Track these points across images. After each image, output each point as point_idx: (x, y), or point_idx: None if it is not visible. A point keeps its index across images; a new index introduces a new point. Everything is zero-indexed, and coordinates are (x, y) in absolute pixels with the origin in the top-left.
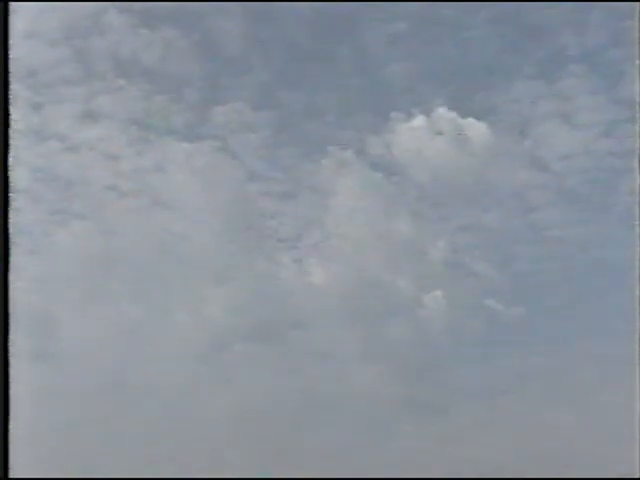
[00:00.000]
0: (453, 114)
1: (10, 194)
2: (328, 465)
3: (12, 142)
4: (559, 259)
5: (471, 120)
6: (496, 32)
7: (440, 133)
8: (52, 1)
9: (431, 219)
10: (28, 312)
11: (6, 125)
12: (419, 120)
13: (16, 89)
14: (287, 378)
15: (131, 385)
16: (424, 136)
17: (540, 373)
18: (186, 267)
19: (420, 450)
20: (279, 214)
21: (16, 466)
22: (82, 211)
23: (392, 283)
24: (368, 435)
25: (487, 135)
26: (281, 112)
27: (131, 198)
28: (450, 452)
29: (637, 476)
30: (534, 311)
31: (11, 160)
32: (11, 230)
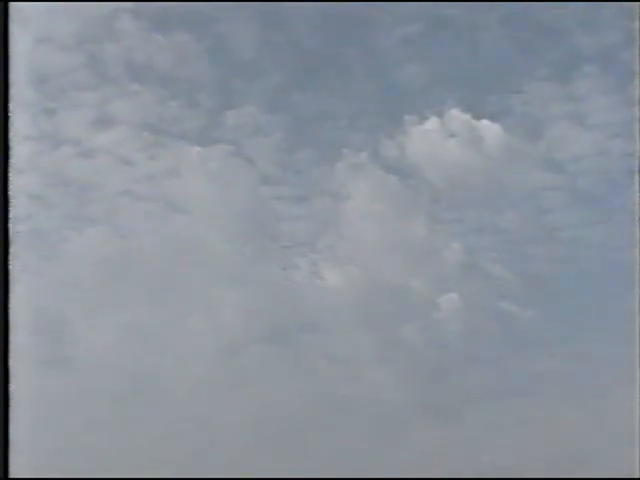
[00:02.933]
0: (467, 116)
1: (10, 195)
2: (340, 468)
3: (13, 144)
4: (574, 261)
5: (485, 122)
6: (509, 33)
7: (454, 135)
8: (55, 1)
9: (445, 221)
10: (44, 317)
11: (6, 126)
12: (432, 122)
13: (29, 95)
14: (301, 381)
15: (146, 388)
16: (438, 138)
17: (556, 375)
18: (200, 271)
19: (435, 454)
20: (293, 218)
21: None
22: (96, 216)
23: (406, 286)
24: (382, 439)
25: (501, 136)
26: (294, 115)
27: (145, 202)
28: (465, 456)
29: (637, 476)
30: (550, 313)
31: (12, 162)
32: (11, 232)
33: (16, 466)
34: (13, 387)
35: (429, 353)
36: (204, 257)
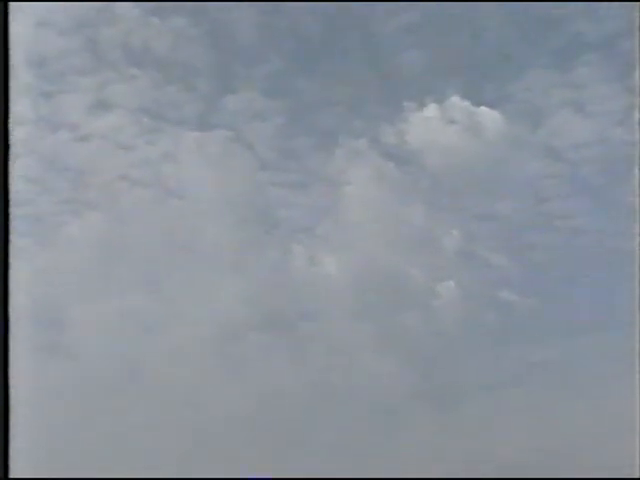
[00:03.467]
0: (466, 103)
1: (10, 190)
2: (339, 457)
3: (12, 130)
4: (574, 249)
5: (484, 109)
6: (510, 20)
7: (453, 122)
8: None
9: (444, 208)
10: (40, 303)
11: (6, 127)
12: (432, 109)
13: (27, 78)
14: (299, 369)
15: (143, 376)
16: (437, 125)
17: (555, 365)
18: (198, 257)
19: (433, 443)
20: (291, 204)
21: (37, 465)
22: (94, 201)
23: (405, 273)
24: (380, 427)
25: (500, 124)
26: (293, 101)
27: (143, 188)
28: (463, 445)
29: (637, 476)
30: (549, 302)
31: (11, 151)
32: (11, 227)
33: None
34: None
35: (427, 341)
36: (201, 243)
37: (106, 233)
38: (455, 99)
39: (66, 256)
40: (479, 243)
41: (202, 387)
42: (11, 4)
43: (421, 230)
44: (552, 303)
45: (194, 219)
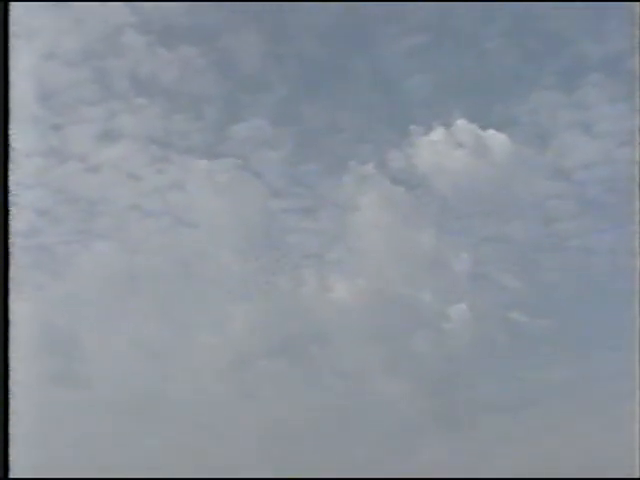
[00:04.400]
0: (473, 126)
1: (10, 203)
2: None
3: (14, 157)
4: (583, 269)
5: (491, 131)
6: (514, 43)
7: (460, 145)
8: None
9: (454, 231)
10: (52, 333)
11: (6, 131)
12: (439, 133)
13: (35, 111)
14: (310, 394)
15: (155, 403)
16: (444, 148)
17: (568, 385)
18: (209, 284)
19: (447, 467)
20: (301, 230)
21: None
22: (105, 231)
23: (416, 297)
24: (393, 451)
25: (508, 146)
26: (301, 128)
27: (153, 217)
28: (478, 467)
29: (637, 476)
30: (560, 322)
31: (12, 175)
32: (11, 236)
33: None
34: (23, 405)
35: (439, 364)
36: (213, 271)
37: (117, 263)
38: (462, 122)
39: (78, 286)
40: (489, 265)
41: (213, 414)
42: (11, 4)
43: (431, 253)
44: (564, 323)
45: (205, 247)
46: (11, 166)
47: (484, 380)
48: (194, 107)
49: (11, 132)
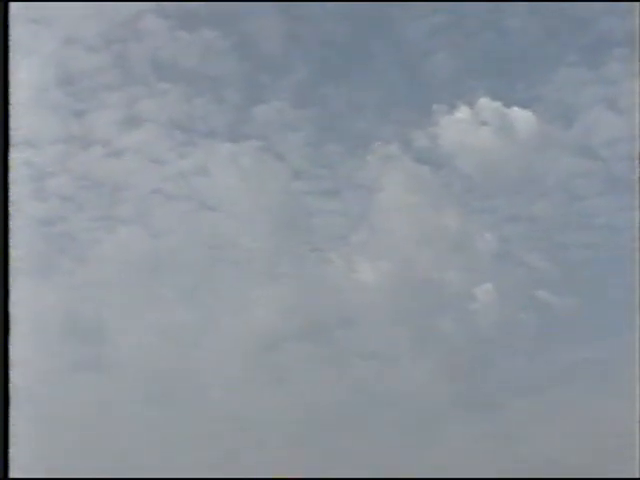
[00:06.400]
0: (497, 104)
1: (10, 195)
2: (379, 464)
3: (12, 147)
4: (609, 247)
5: (516, 109)
6: (536, 20)
7: (485, 123)
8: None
9: (479, 211)
10: (77, 319)
11: (6, 128)
12: (462, 111)
13: (58, 97)
14: (336, 377)
15: (180, 388)
16: (468, 127)
17: (594, 365)
18: (234, 268)
19: (472, 448)
20: (325, 212)
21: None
22: (128, 216)
23: (441, 277)
24: (420, 433)
25: (532, 123)
26: (322, 109)
27: (177, 201)
28: (505, 449)
29: (637, 476)
30: (587, 301)
31: (11, 162)
32: (11, 229)
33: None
34: (48, 390)
35: (465, 345)
36: (236, 254)
37: (141, 248)
38: (485, 100)
39: (102, 272)
40: (515, 244)
41: (239, 399)
42: (11, 4)
43: (456, 234)
44: (590, 302)
45: (229, 230)
46: (11, 158)
47: (511, 360)
48: (215, 90)
49: (11, 130)
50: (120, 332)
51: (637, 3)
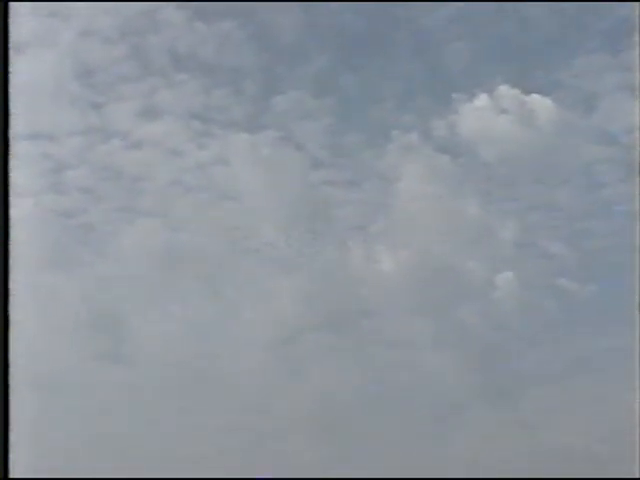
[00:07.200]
0: (516, 91)
1: (9, 190)
2: (402, 455)
3: (12, 144)
4: (632, 234)
5: (535, 96)
6: (555, 7)
7: (504, 111)
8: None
9: (500, 199)
10: (97, 311)
11: (6, 124)
12: (482, 99)
13: (76, 89)
14: (358, 368)
15: (201, 381)
16: (488, 115)
17: (618, 354)
18: (254, 259)
19: (495, 439)
20: (345, 202)
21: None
22: (148, 208)
23: (462, 266)
24: (443, 423)
25: (553, 111)
26: (341, 98)
27: (196, 193)
28: (528, 439)
29: (637, 476)
30: (609, 289)
31: (11, 159)
32: (11, 226)
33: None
34: (69, 382)
35: (487, 334)
36: (257, 245)
37: (161, 239)
38: (504, 88)
39: (123, 264)
40: (536, 232)
41: (260, 391)
42: (11, 4)
43: (477, 222)
44: (612, 290)
45: (249, 221)
46: (11, 154)
47: (533, 349)
48: (233, 81)
49: (11, 130)
50: (141, 325)
51: (637, 3)
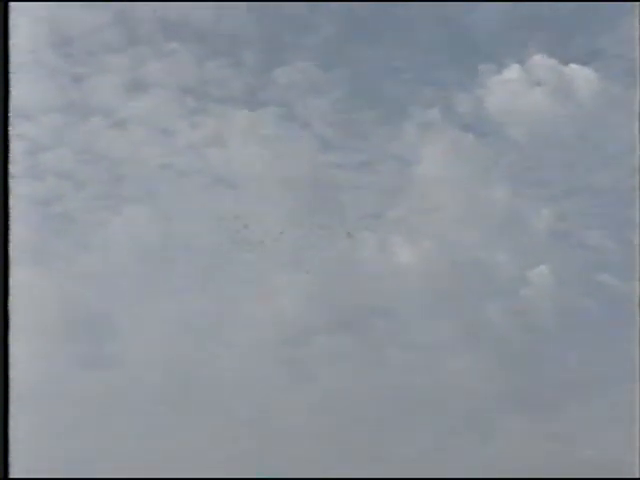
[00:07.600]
0: (552, 61)
1: (9, 182)
2: (419, 469)
3: (12, 145)
4: None
5: (574, 67)
6: None
7: (538, 84)
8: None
9: (532, 184)
10: (80, 311)
11: (6, 121)
12: (513, 71)
13: (52, 60)
14: (373, 372)
15: (196, 387)
16: (520, 88)
17: None
18: (255, 252)
19: (525, 451)
20: (357, 187)
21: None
22: (135, 195)
23: (490, 260)
24: (465, 434)
25: (594, 83)
26: (352, 71)
27: (189, 177)
28: (563, 452)
29: (637, 476)
30: None
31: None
32: (11, 224)
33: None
34: (51, 391)
35: (518, 336)
36: (259, 237)
37: (150, 230)
38: (539, 57)
39: (107, 258)
40: (573, 221)
41: (262, 399)
42: (11, 4)
43: (506, 210)
44: None
45: (248, 209)
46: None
47: (569, 353)
48: (231, 51)
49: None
50: (130, 326)
51: (637, 3)
